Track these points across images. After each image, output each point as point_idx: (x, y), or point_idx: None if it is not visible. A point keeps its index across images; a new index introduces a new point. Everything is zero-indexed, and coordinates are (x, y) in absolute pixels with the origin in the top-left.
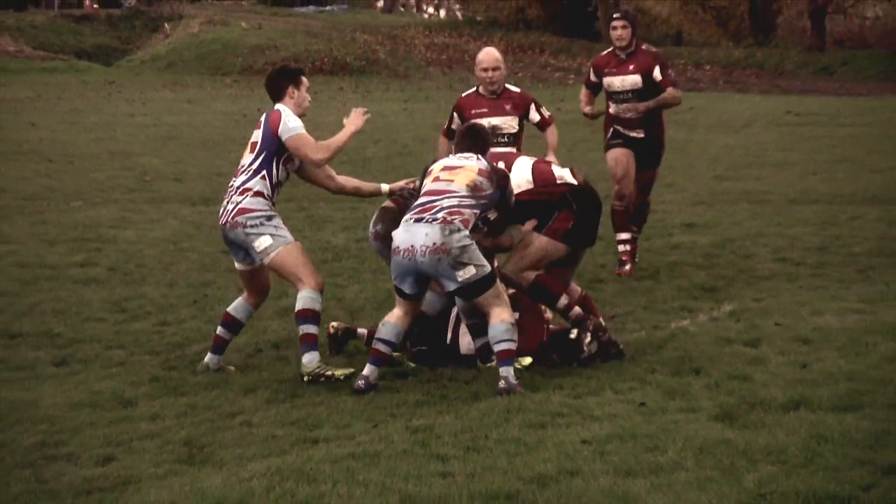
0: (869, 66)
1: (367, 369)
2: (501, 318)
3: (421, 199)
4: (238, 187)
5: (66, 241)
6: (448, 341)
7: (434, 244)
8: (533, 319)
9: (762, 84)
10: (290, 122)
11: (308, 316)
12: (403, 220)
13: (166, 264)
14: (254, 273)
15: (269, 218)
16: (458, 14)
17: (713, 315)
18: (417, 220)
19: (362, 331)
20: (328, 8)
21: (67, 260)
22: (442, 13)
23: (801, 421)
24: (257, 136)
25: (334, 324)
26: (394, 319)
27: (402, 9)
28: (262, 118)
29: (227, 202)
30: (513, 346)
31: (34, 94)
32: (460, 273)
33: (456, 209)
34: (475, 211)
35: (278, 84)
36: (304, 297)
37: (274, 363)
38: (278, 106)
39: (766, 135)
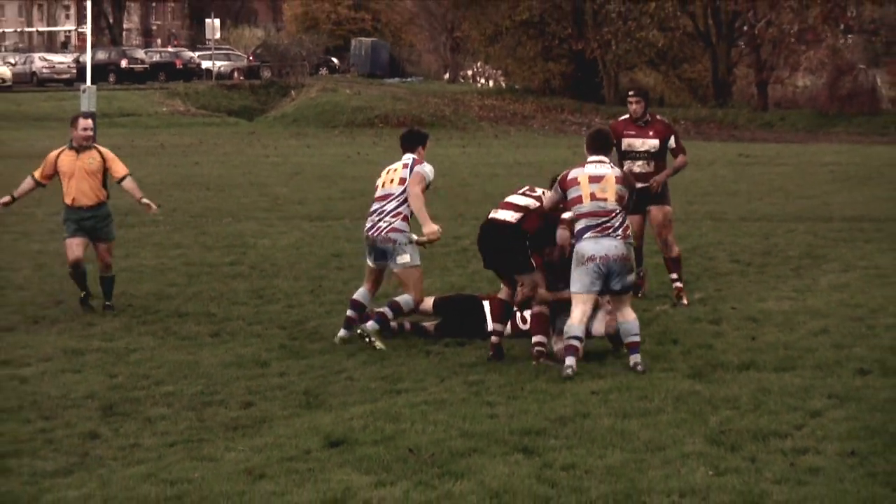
0: (799, 122)
1: (569, 360)
2: (633, 317)
3: (594, 220)
4: (391, 211)
5: (220, 247)
6: (490, 327)
7: (622, 254)
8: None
9: (721, 134)
10: (427, 168)
11: (395, 307)
12: (586, 236)
13: (292, 263)
14: (379, 272)
15: (410, 241)
16: (503, 83)
17: (684, 300)
18: (602, 236)
19: (393, 324)
20: (409, 79)
21: (221, 260)
22: (491, 83)
23: (750, 378)
24: (404, 173)
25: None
26: (577, 322)
27: (462, 80)
28: (408, 162)
29: (381, 220)
30: (639, 338)
31: (197, 141)
32: (629, 277)
33: (625, 226)
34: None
35: (419, 140)
36: (405, 299)
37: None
38: (414, 156)
39: (724, 171)
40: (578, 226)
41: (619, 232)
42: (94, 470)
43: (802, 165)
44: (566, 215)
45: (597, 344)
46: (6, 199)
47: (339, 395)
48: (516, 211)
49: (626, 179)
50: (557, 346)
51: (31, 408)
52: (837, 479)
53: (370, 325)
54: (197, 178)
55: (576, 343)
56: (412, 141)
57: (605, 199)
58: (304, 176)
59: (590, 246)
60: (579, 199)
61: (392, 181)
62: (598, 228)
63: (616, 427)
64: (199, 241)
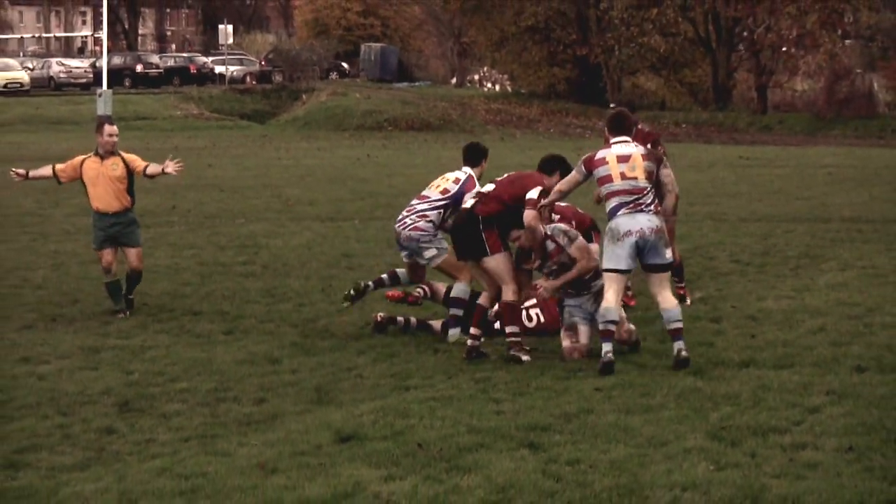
0: (797, 125)
1: (606, 346)
2: (675, 303)
3: (626, 197)
4: (419, 211)
5: (233, 247)
6: (497, 325)
7: (657, 226)
8: (551, 300)
9: (722, 137)
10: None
11: (458, 302)
12: (619, 213)
13: (303, 263)
14: (413, 265)
15: (435, 236)
16: (509, 87)
17: (688, 300)
18: (636, 212)
19: (401, 318)
20: (417, 84)
21: (233, 260)
22: (497, 87)
23: (749, 375)
24: (451, 186)
25: (381, 314)
26: (613, 304)
27: (469, 84)
28: (461, 176)
29: (407, 217)
30: (682, 324)
31: (210, 144)
32: (667, 252)
33: (656, 202)
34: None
35: (482, 154)
36: (458, 288)
37: (378, 335)
38: (471, 171)
39: (724, 173)
40: (610, 204)
41: (651, 207)
42: (111, 464)
43: (801, 168)
44: (531, 195)
45: (598, 343)
46: (22, 171)
47: (350, 391)
48: (474, 197)
49: (651, 155)
50: (565, 343)
51: (49, 404)
52: (835, 474)
53: (453, 333)
54: (210, 180)
55: (612, 328)
56: (475, 155)
57: (636, 178)
58: (315, 178)
59: (625, 221)
60: (609, 178)
61: (438, 186)
62: (632, 205)
63: (619, 423)
64: (212, 241)
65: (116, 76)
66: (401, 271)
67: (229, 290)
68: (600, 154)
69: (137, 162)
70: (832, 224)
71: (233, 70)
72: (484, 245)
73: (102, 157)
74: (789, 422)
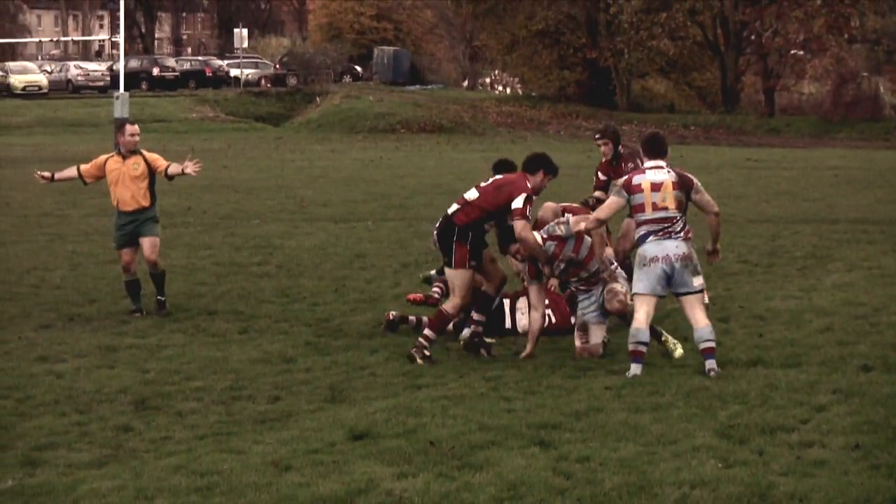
0: (804, 128)
1: (635, 368)
2: (707, 322)
3: (656, 226)
4: None
5: (248, 248)
6: (508, 325)
7: (684, 253)
8: (560, 300)
9: (730, 140)
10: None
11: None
12: (648, 240)
13: (317, 263)
14: None
15: None
16: (519, 90)
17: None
18: (665, 238)
19: (412, 318)
20: (429, 87)
21: (248, 260)
22: (508, 90)
23: (757, 374)
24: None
25: (393, 312)
26: (643, 326)
27: (481, 87)
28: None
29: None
30: (715, 343)
31: (225, 146)
32: (696, 279)
33: (686, 229)
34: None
35: (512, 171)
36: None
37: (390, 334)
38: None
39: (732, 175)
40: (640, 231)
41: (681, 234)
42: (128, 462)
43: (808, 169)
44: (516, 204)
45: (608, 342)
46: (47, 174)
47: (363, 390)
48: (458, 203)
49: (681, 183)
50: (577, 343)
51: (67, 402)
52: (842, 472)
53: (465, 332)
54: (226, 182)
55: (643, 349)
56: (507, 171)
57: (666, 208)
58: (329, 179)
59: (652, 248)
60: (642, 208)
61: None
62: (661, 233)
63: (629, 421)
64: (227, 241)
65: (133, 79)
66: None
67: (244, 290)
68: (636, 180)
69: (159, 161)
70: (838, 225)
71: (248, 73)
72: (451, 255)
73: (124, 157)
74: (796, 420)
